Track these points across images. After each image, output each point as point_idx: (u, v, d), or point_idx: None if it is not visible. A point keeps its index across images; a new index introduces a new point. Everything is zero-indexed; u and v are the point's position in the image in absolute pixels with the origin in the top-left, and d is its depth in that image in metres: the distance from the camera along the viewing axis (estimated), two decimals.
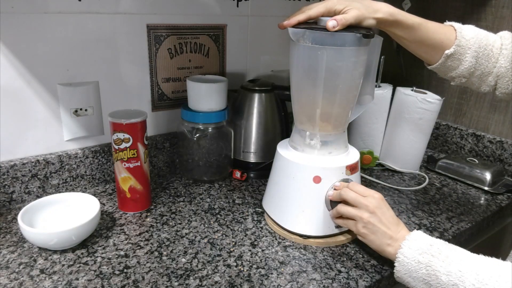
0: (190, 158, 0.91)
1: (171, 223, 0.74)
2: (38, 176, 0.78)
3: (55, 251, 0.65)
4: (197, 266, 0.63)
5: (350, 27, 0.61)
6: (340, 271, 0.64)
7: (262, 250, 0.68)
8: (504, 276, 0.50)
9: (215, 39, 0.95)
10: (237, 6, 0.96)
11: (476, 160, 1.00)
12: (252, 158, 0.94)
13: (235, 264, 0.64)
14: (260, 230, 0.73)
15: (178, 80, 0.93)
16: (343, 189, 0.67)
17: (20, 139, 0.76)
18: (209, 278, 0.60)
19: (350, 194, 0.65)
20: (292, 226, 0.71)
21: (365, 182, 0.95)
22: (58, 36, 0.75)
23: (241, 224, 0.75)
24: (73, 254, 0.64)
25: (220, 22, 0.95)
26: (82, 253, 0.65)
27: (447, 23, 0.68)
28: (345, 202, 0.66)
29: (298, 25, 0.63)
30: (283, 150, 0.74)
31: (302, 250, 0.68)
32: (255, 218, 0.77)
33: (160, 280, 0.59)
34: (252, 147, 0.93)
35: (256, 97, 0.91)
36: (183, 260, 0.64)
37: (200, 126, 0.87)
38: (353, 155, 0.74)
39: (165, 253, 0.66)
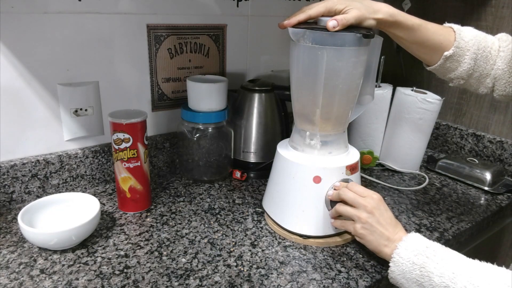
0: (190, 158, 0.91)
1: (171, 223, 0.74)
2: (38, 176, 0.78)
3: (55, 251, 0.65)
4: (197, 266, 0.63)
5: (350, 27, 0.61)
6: (340, 271, 0.64)
7: (262, 250, 0.68)
8: (497, 281, 0.49)
9: (215, 39, 0.95)
10: (237, 6, 0.96)
11: (476, 160, 1.00)
12: (252, 158, 0.94)
13: (235, 264, 0.64)
14: (260, 230, 0.73)
15: (178, 80, 0.93)
16: (342, 189, 0.67)
17: (20, 139, 0.76)
18: (209, 278, 0.60)
19: (348, 194, 0.65)
20: (292, 226, 0.71)
21: (365, 182, 0.95)
22: (58, 36, 0.75)
23: (241, 224, 0.75)
24: (73, 254, 0.64)
25: (220, 22, 0.95)
26: (82, 253, 0.65)
27: (447, 24, 0.68)
28: (344, 202, 0.66)
29: (298, 25, 0.63)
30: (283, 150, 0.74)
31: (302, 250, 0.68)
32: (255, 218, 0.77)
33: (160, 280, 0.59)
34: (252, 147, 0.93)
35: (256, 97, 0.91)
36: (183, 260, 0.64)
37: (200, 126, 0.87)
38: (353, 155, 0.74)
39: (165, 253, 0.66)
